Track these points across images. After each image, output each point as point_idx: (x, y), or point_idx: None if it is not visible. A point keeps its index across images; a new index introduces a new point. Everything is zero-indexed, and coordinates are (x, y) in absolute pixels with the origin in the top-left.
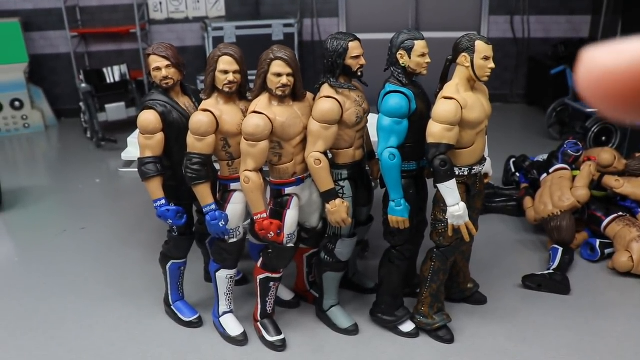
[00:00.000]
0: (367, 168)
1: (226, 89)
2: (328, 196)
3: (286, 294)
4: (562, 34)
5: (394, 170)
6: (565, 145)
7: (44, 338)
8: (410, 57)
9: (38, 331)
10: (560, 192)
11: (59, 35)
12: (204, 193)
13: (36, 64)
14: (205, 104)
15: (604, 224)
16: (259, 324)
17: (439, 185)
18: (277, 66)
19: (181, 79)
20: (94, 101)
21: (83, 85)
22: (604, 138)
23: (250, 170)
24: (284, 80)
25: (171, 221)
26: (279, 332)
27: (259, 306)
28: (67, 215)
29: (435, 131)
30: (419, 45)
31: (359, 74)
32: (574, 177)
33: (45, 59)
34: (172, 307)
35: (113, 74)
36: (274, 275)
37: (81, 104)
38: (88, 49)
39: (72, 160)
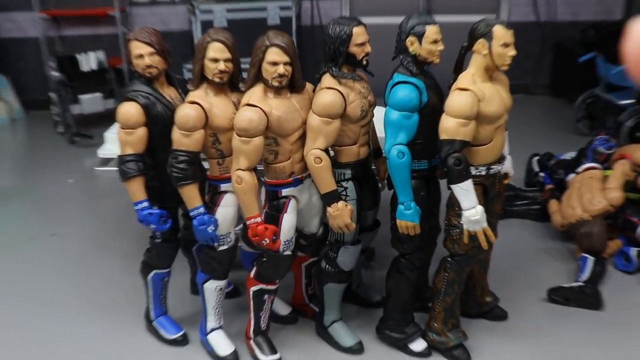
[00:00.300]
0: (373, 167)
1: (216, 79)
2: (329, 198)
3: (282, 308)
4: (592, 16)
5: (403, 169)
6: (595, 142)
7: None
8: (421, 44)
9: (1, 354)
10: (591, 194)
11: (27, 17)
12: (191, 195)
13: (1, 49)
14: (192, 96)
15: None
16: (251, 342)
17: (454, 187)
18: (273, 54)
19: (166, 67)
20: (67, 91)
21: (54, 73)
22: (639, 133)
23: (243, 170)
24: (281, 69)
25: (154, 226)
26: (274, 351)
27: (252, 322)
28: (35, 220)
29: (449, 126)
30: (431, 31)
31: (364, 62)
32: (605, 178)
33: (11, 43)
34: (154, 323)
35: (88, 61)
36: (269, 287)
37: (52, 94)
38: (60, 33)
39: (42, 158)
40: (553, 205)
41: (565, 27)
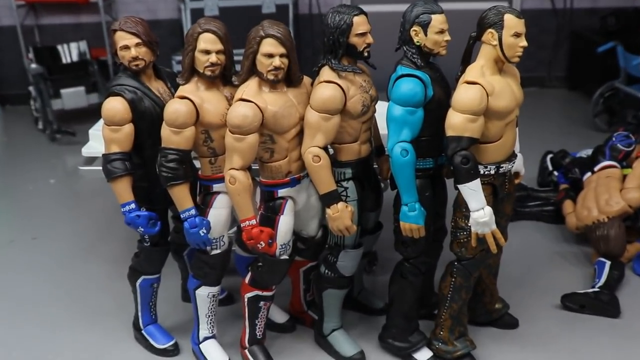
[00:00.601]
0: (375, 166)
1: (208, 72)
2: (329, 199)
3: (279, 316)
4: (612, 3)
5: (406, 168)
6: (614, 139)
7: None
8: (426, 35)
9: None
10: (608, 194)
11: (2, 3)
12: (181, 195)
13: None
14: (182, 90)
15: None
16: (246, 351)
17: (461, 187)
18: (269, 45)
19: (154, 59)
20: (47, 85)
21: (33, 65)
22: None
23: (237, 169)
24: (277, 62)
25: (142, 229)
26: None
27: (247, 330)
28: (14, 223)
29: (456, 122)
30: (437, 20)
31: (366, 54)
32: (624, 177)
33: None
34: (142, 332)
35: (70, 52)
36: (265, 294)
37: (31, 88)
38: (38, 22)
39: (21, 156)
40: (568, 206)
41: (582, 14)
